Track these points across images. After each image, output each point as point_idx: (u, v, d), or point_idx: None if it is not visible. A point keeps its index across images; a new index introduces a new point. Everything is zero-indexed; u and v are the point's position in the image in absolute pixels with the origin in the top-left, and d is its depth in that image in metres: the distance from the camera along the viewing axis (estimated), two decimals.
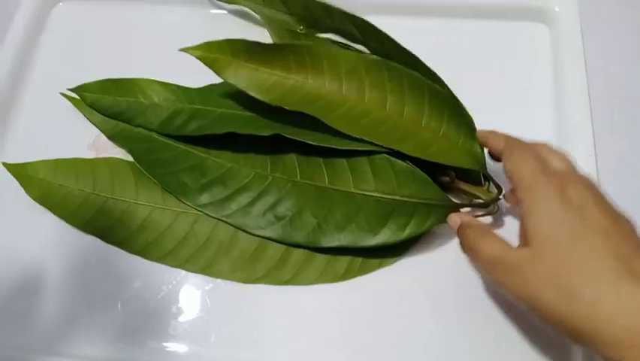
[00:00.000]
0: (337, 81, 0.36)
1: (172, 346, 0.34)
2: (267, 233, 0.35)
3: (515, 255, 0.28)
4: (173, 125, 0.38)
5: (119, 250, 0.36)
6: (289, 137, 0.34)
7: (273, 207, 0.35)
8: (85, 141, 0.41)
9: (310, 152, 0.35)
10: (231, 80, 0.36)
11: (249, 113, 0.38)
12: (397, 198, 0.34)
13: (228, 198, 0.36)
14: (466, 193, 0.35)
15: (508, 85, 0.41)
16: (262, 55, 0.36)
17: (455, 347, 0.33)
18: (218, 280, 0.35)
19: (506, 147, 0.31)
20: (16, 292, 0.36)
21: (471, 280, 0.34)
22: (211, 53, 0.36)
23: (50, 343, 0.34)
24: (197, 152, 0.37)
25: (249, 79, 0.36)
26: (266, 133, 0.35)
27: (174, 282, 0.36)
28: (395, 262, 0.35)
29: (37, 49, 0.45)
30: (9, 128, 0.42)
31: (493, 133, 0.33)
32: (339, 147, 0.34)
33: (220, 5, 0.45)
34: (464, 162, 0.34)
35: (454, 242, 0.35)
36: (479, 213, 0.35)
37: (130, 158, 0.38)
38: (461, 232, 0.32)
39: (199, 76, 0.43)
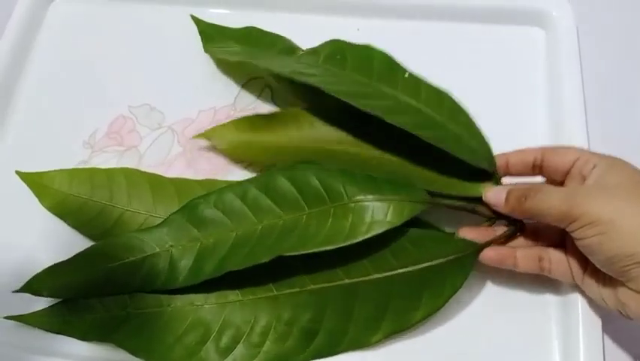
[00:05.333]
0: None
1: None
2: (310, 356, 0.32)
3: (593, 182, 0.30)
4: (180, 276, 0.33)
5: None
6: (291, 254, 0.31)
7: (292, 323, 0.32)
8: (80, 138, 0.41)
9: (316, 261, 0.32)
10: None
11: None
12: (421, 266, 0.32)
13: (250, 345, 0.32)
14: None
15: (504, 88, 0.41)
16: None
17: None
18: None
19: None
20: (7, 290, 0.35)
21: None
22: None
23: (48, 342, 0.34)
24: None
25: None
26: (265, 259, 0.31)
27: None
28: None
29: (33, 47, 0.45)
30: (4, 126, 0.42)
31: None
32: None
33: (219, 4, 0.45)
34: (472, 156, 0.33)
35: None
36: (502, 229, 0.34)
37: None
38: (513, 196, 0.31)
39: (196, 75, 0.43)
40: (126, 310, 0.32)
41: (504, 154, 0.34)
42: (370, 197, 0.32)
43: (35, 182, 0.38)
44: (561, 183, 0.33)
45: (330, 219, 0.32)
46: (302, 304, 0.32)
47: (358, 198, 0.32)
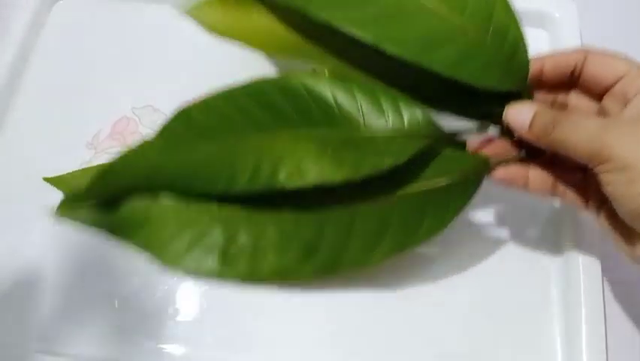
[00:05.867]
0: None
1: (168, 347, 0.34)
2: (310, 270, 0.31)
3: (627, 117, 0.26)
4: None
5: (116, 249, 0.36)
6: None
7: (293, 237, 0.31)
8: (84, 139, 0.41)
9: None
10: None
11: None
12: (425, 187, 0.30)
13: None
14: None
15: None
16: None
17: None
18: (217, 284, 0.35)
19: None
20: (11, 291, 0.35)
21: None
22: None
23: (45, 342, 0.34)
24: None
25: None
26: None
27: (171, 282, 0.36)
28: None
29: (37, 47, 0.45)
30: (7, 126, 0.42)
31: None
32: None
33: None
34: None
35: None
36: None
37: None
38: (539, 122, 0.27)
39: (200, 77, 0.43)
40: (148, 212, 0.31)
41: (540, 58, 0.29)
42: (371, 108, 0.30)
43: (62, 184, 0.37)
44: (598, 101, 0.28)
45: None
46: (304, 220, 0.31)
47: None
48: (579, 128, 0.25)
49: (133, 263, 0.36)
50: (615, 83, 0.27)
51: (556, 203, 0.37)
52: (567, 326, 0.33)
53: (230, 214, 0.31)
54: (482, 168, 0.30)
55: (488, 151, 0.30)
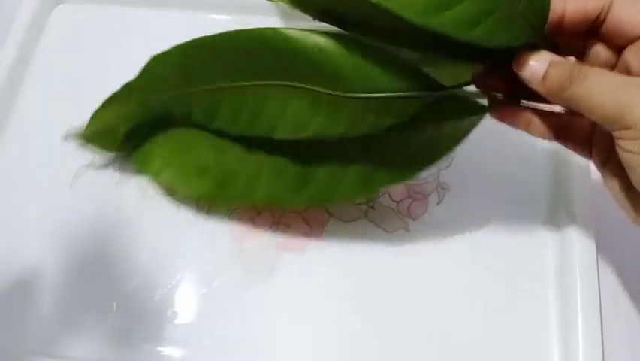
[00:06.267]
0: None
1: (166, 350, 0.34)
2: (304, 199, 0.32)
3: None
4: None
5: (115, 251, 0.37)
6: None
7: (286, 166, 0.32)
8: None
9: None
10: None
11: None
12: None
13: None
14: None
15: None
16: None
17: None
18: (214, 284, 0.36)
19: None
20: (9, 292, 0.36)
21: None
22: None
23: (43, 344, 0.34)
24: None
25: None
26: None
27: (169, 286, 0.36)
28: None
29: (37, 50, 0.45)
30: (7, 127, 0.42)
31: None
32: None
33: (220, 10, 0.45)
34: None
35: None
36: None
37: None
38: (555, 74, 0.24)
39: None
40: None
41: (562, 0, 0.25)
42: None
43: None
44: (619, 53, 0.25)
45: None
46: (295, 149, 0.32)
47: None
48: (601, 86, 0.23)
49: (131, 265, 0.36)
50: None
51: (552, 182, 0.37)
52: (563, 318, 0.33)
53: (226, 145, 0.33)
54: (480, 108, 0.29)
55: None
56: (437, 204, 0.37)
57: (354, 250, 0.36)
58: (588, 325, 0.32)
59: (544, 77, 0.24)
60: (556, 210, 0.36)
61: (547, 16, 0.25)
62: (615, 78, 0.23)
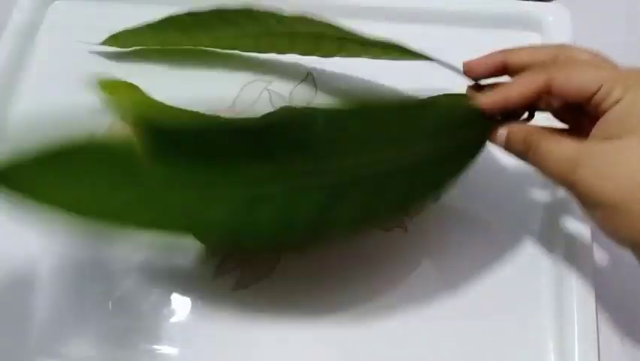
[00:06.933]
0: None
1: (162, 348, 0.34)
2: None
3: (599, 151, 0.24)
4: None
5: (110, 250, 0.37)
6: None
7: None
8: None
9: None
10: None
11: None
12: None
13: None
14: None
15: None
16: None
17: None
18: (211, 283, 0.36)
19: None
20: (5, 293, 0.36)
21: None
22: None
23: (39, 342, 0.34)
24: None
25: None
26: None
27: (166, 284, 0.36)
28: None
29: (33, 47, 0.45)
30: (4, 126, 0.42)
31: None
32: None
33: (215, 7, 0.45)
34: None
35: None
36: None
37: None
38: (513, 144, 0.27)
39: (196, 77, 0.43)
40: None
41: (499, 56, 0.30)
42: None
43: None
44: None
45: None
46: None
47: None
48: (550, 157, 0.26)
49: (127, 264, 0.36)
50: (593, 95, 0.25)
51: (549, 196, 0.37)
52: (558, 321, 0.33)
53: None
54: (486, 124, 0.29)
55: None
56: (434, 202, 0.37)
57: (354, 250, 0.36)
58: (583, 328, 0.32)
59: (507, 142, 0.27)
60: (554, 213, 0.36)
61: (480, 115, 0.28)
62: (564, 147, 0.26)
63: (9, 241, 0.37)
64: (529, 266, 0.35)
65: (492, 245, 0.36)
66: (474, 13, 0.43)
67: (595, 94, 0.25)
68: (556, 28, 0.42)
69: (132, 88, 0.38)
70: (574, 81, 0.25)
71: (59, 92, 0.43)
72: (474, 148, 0.29)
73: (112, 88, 0.37)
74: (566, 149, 0.25)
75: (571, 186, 0.25)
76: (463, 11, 0.43)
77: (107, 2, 0.47)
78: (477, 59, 0.31)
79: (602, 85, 0.25)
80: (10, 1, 0.45)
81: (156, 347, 0.34)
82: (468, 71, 0.31)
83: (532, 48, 0.29)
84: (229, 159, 0.26)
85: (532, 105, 0.28)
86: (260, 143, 0.26)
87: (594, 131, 0.26)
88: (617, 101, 0.24)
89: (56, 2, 0.47)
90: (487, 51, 0.42)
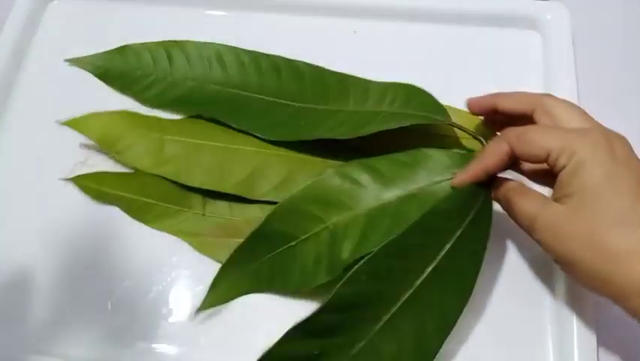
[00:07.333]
0: None
1: (161, 348, 0.34)
2: None
3: (552, 212, 0.27)
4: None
5: (109, 250, 0.37)
6: None
7: None
8: (77, 139, 0.41)
9: None
10: None
11: None
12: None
13: None
14: None
15: (498, 91, 0.41)
16: None
17: None
18: (209, 282, 0.35)
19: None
20: (4, 292, 0.36)
21: None
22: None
23: (38, 342, 0.35)
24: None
25: None
26: None
27: (164, 283, 0.36)
28: None
29: (31, 46, 0.45)
30: (2, 126, 0.42)
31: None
32: None
33: (216, 6, 0.45)
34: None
35: None
36: None
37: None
38: (496, 200, 0.31)
39: None
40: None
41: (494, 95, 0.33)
42: None
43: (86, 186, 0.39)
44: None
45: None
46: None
47: None
48: (518, 215, 0.29)
49: (126, 264, 0.36)
50: (545, 162, 0.28)
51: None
52: (558, 321, 0.33)
53: None
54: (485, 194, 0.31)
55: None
56: None
57: None
58: (583, 334, 0.32)
59: (494, 199, 0.31)
60: None
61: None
62: (529, 206, 0.28)
63: (9, 241, 0.38)
64: (528, 269, 0.35)
65: (492, 245, 0.35)
66: (473, 12, 0.43)
67: (546, 160, 0.28)
68: (554, 27, 0.42)
69: (98, 116, 0.40)
70: (525, 149, 0.28)
71: (58, 91, 0.43)
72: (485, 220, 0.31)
73: (80, 124, 0.40)
74: (528, 208, 0.28)
75: (536, 241, 0.28)
76: (462, 10, 0.43)
77: (105, 2, 0.47)
78: (475, 99, 0.34)
79: (549, 152, 0.27)
80: (9, 0, 0.45)
81: (155, 346, 0.34)
82: (468, 107, 0.34)
83: (517, 96, 0.32)
84: None
85: (507, 167, 0.31)
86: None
87: (553, 190, 0.29)
88: (563, 167, 0.27)
89: (55, 1, 0.47)
90: (487, 50, 0.43)
